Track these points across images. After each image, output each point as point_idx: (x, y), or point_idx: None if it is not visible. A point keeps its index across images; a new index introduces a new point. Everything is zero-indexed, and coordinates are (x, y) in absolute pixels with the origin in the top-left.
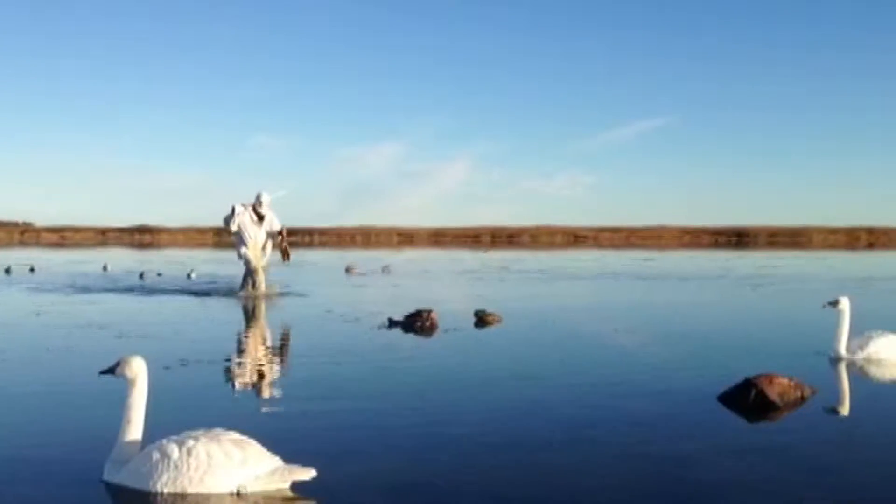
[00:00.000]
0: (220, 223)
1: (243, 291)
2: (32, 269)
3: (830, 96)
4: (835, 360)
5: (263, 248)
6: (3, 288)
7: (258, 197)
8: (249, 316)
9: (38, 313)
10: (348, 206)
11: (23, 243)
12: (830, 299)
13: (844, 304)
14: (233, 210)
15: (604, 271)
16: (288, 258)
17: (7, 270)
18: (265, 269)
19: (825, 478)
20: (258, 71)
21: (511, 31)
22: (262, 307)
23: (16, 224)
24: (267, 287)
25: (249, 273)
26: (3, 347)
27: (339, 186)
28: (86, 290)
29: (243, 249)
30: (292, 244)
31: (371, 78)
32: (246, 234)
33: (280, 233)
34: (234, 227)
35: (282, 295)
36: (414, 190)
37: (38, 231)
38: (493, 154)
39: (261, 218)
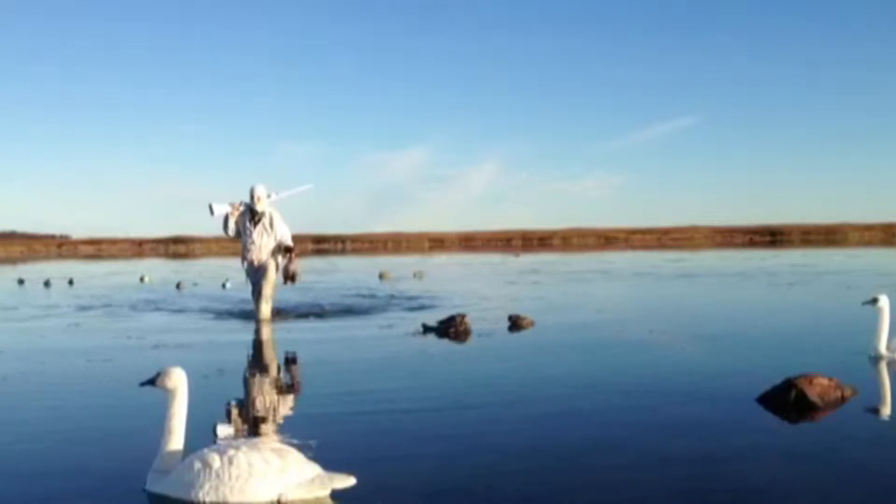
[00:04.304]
0: None
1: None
2: (71, 282)
3: (862, 91)
4: (875, 359)
5: (272, 255)
6: (42, 300)
7: (251, 191)
8: (285, 325)
9: (77, 325)
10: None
11: (60, 256)
12: (869, 297)
13: (884, 301)
14: (211, 211)
15: (636, 272)
16: (293, 281)
17: (46, 283)
18: (273, 283)
19: (867, 479)
20: (284, 78)
21: (535, 33)
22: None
23: (53, 237)
24: (274, 311)
25: (252, 289)
26: (43, 359)
27: (367, 193)
28: (124, 301)
29: (246, 255)
30: (321, 251)
31: (394, 83)
32: (243, 238)
33: (288, 249)
34: (230, 233)
35: (298, 317)
36: (442, 194)
37: (76, 243)
38: (520, 156)
39: (254, 216)
